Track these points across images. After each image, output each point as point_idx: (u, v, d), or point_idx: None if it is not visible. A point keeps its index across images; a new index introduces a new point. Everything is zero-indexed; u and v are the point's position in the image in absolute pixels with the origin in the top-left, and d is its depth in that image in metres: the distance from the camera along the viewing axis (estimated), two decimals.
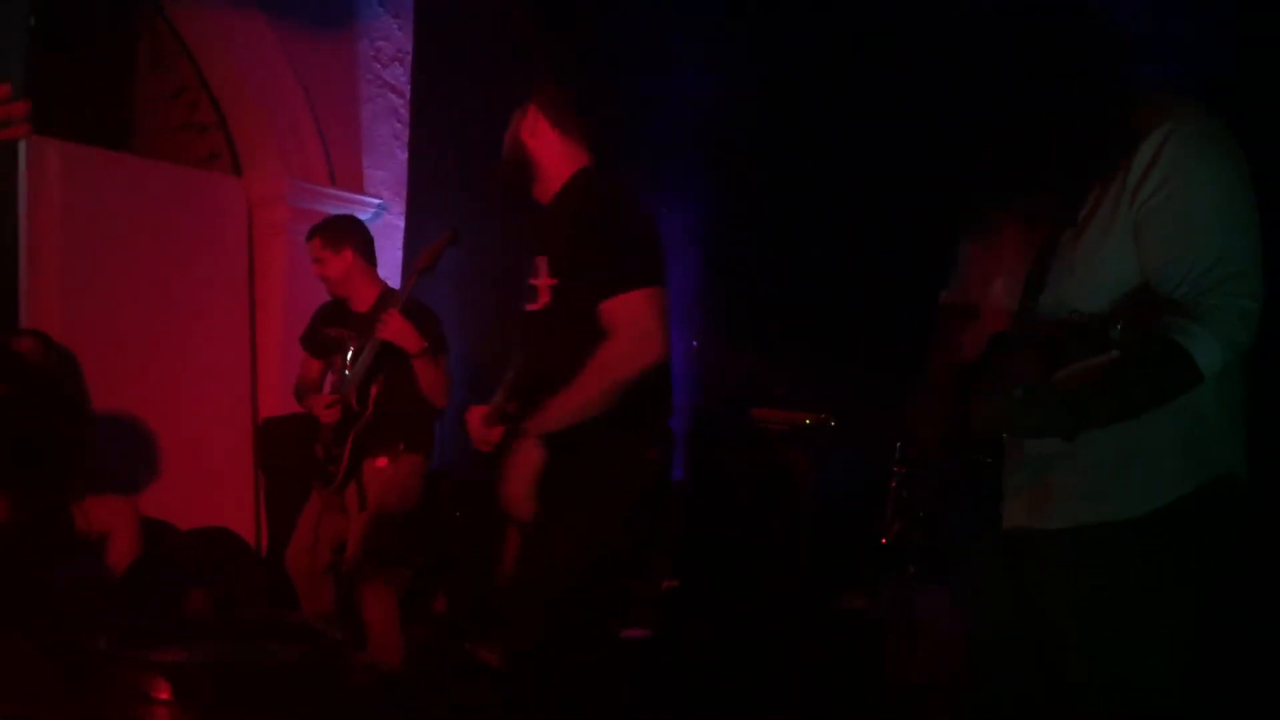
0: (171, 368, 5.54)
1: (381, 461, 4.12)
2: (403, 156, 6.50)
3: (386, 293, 4.34)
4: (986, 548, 2.12)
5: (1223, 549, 1.96)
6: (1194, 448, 1.92)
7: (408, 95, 6.51)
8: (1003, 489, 2.06)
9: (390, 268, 5.90)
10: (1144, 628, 1.93)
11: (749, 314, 5.88)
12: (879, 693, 3.85)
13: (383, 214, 6.16)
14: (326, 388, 4.29)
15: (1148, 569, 1.92)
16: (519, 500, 2.57)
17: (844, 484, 4.57)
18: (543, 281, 2.67)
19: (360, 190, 6.21)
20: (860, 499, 4.23)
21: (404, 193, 6.47)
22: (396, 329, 3.98)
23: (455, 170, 6.28)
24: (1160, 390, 1.86)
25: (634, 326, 2.54)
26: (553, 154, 2.79)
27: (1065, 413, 1.82)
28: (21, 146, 5.13)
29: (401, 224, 6.45)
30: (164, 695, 2.17)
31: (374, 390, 4.10)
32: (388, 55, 6.43)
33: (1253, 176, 1.90)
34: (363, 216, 6.15)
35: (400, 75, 6.48)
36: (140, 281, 5.48)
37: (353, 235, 4.33)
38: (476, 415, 2.91)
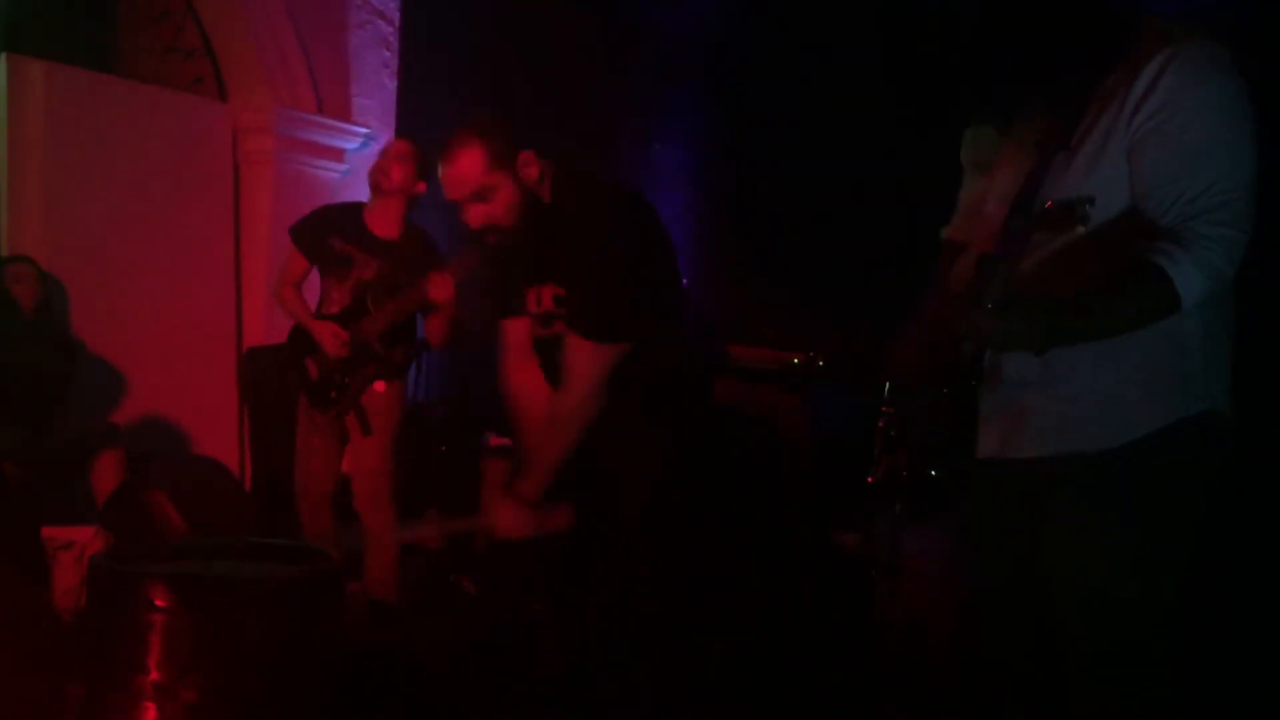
0: (155, 294, 5.48)
1: (381, 385, 4.09)
2: (391, 85, 6.40)
3: (412, 228, 4.20)
4: (972, 481, 2.12)
5: (1202, 486, 1.93)
6: (1175, 381, 1.90)
7: (397, 23, 6.40)
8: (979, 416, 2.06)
9: None
10: (1118, 560, 1.91)
11: (741, 252, 5.85)
12: (869, 630, 3.88)
13: (370, 144, 6.08)
14: (332, 299, 4.12)
15: (1120, 502, 1.90)
16: None
17: (834, 423, 4.57)
18: None
19: (348, 119, 6.12)
20: (851, 438, 4.23)
21: (392, 122, 6.38)
22: (448, 295, 3.88)
23: (444, 101, 6.19)
24: (1137, 312, 1.84)
25: None
26: None
27: (1038, 321, 1.79)
28: (2, 66, 5.02)
29: None
30: (163, 603, 2.15)
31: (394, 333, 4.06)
32: None
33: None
34: (350, 146, 6.08)
35: (389, 2, 6.37)
36: (123, 207, 5.40)
37: None
38: None
